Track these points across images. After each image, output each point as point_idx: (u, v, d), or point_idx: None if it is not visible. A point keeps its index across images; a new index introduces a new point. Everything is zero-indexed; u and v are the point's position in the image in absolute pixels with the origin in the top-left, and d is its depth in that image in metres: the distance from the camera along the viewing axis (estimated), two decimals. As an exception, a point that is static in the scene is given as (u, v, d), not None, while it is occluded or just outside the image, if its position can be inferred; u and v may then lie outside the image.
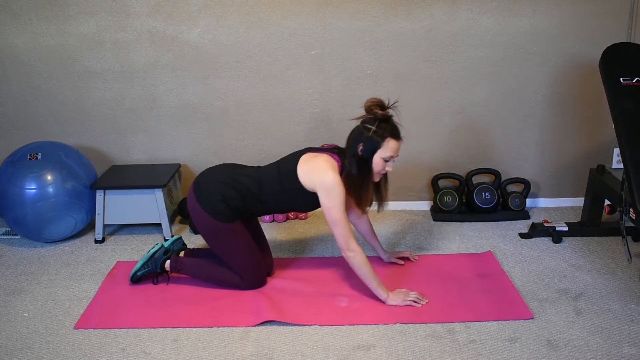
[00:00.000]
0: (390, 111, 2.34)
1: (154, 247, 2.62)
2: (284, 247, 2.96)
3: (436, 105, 3.24)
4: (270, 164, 2.54)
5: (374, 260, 2.76)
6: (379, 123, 2.29)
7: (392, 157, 2.34)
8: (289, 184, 2.40)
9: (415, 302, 2.36)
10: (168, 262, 2.57)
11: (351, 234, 2.33)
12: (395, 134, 2.33)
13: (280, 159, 2.53)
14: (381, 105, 2.32)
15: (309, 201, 2.42)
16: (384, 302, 2.36)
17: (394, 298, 2.36)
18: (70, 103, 3.25)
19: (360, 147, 2.31)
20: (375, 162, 2.34)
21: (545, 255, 2.79)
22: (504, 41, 3.11)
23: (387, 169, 2.38)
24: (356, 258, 2.33)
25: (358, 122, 2.38)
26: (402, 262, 2.73)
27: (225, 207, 2.39)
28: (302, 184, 2.37)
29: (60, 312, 2.40)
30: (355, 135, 2.34)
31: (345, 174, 2.35)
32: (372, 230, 2.75)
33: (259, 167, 2.56)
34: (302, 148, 2.53)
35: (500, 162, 3.36)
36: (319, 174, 2.31)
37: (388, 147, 2.31)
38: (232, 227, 2.43)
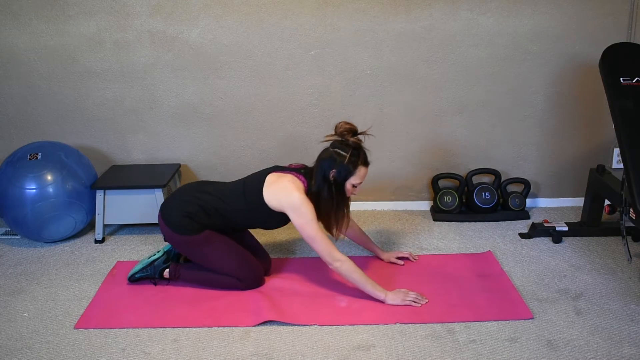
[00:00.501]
0: (360, 137, 2.41)
1: (155, 253, 2.61)
2: (284, 247, 2.96)
3: (436, 105, 3.24)
4: (236, 181, 2.58)
5: (374, 261, 2.77)
6: (352, 151, 2.35)
7: (360, 183, 2.42)
8: (254, 203, 2.43)
9: (414, 302, 2.36)
10: (167, 270, 2.57)
11: (332, 245, 2.36)
12: (366, 162, 2.42)
13: (247, 177, 2.57)
14: (353, 132, 2.38)
15: (274, 220, 2.48)
16: (383, 302, 2.36)
17: (393, 297, 2.36)
18: (70, 103, 3.25)
19: (333, 173, 2.36)
20: (346, 188, 2.41)
21: (545, 255, 2.79)
22: (504, 41, 3.11)
23: (354, 193, 2.46)
24: (344, 267, 2.35)
25: (326, 143, 2.43)
26: (402, 262, 2.73)
27: (190, 222, 2.43)
28: (268, 204, 2.41)
29: (60, 312, 2.40)
30: (327, 160, 2.38)
31: (312, 196, 2.39)
32: (364, 234, 2.78)
33: (225, 183, 2.61)
34: (269, 166, 2.57)
35: (500, 162, 3.36)
36: (285, 195, 2.36)
37: (359, 175, 2.39)
38: (203, 237, 2.45)
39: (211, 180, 3.34)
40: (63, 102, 3.24)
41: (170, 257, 2.61)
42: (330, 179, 2.37)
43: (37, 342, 2.20)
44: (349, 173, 2.37)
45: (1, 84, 3.21)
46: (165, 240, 2.57)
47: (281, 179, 2.41)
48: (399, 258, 2.74)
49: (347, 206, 2.52)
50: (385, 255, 2.76)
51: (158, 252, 2.62)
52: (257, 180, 2.47)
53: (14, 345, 2.19)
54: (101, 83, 3.20)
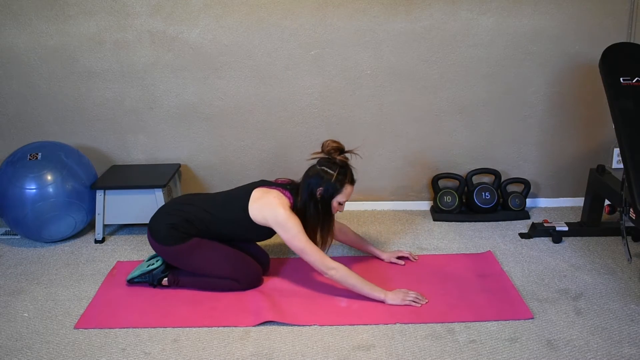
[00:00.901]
0: (347, 155, 2.44)
1: (153, 263, 2.58)
2: (284, 247, 2.96)
3: (436, 105, 3.24)
4: (221, 193, 2.60)
5: (373, 261, 2.77)
6: (339, 169, 2.38)
7: (346, 201, 2.45)
8: (239, 217, 2.45)
9: (414, 302, 2.36)
10: (165, 279, 2.56)
11: (323, 254, 2.38)
12: (352, 180, 2.45)
13: (233, 190, 2.59)
14: (340, 150, 2.41)
15: (261, 233, 2.50)
16: (383, 303, 2.36)
17: (393, 297, 2.36)
18: (70, 103, 3.25)
19: (320, 191, 2.39)
20: (332, 205, 2.44)
21: (545, 255, 2.79)
22: (504, 41, 3.11)
23: (340, 210, 2.48)
24: (339, 274, 2.35)
25: (312, 160, 2.46)
26: (402, 262, 2.73)
27: (175, 232, 2.44)
28: (254, 220, 2.43)
29: (60, 312, 2.40)
30: (314, 178, 2.40)
31: (297, 212, 2.41)
32: (359, 237, 2.79)
33: (210, 195, 2.64)
34: (256, 180, 2.60)
35: (500, 162, 3.36)
36: (270, 211, 2.38)
37: (345, 193, 2.42)
38: (191, 244, 2.45)
39: (210, 180, 3.38)
40: (63, 102, 3.24)
41: (168, 266, 2.59)
42: (317, 197, 2.40)
43: (37, 342, 2.20)
44: (336, 191, 2.39)
45: (1, 84, 3.21)
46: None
47: (267, 195, 2.43)
48: (399, 258, 2.75)
49: (332, 223, 2.54)
50: (385, 255, 2.76)
51: (157, 260, 2.59)
52: (243, 194, 2.48)
53: (14, 345, 2.19)
54: (101, 83, 3.20)
